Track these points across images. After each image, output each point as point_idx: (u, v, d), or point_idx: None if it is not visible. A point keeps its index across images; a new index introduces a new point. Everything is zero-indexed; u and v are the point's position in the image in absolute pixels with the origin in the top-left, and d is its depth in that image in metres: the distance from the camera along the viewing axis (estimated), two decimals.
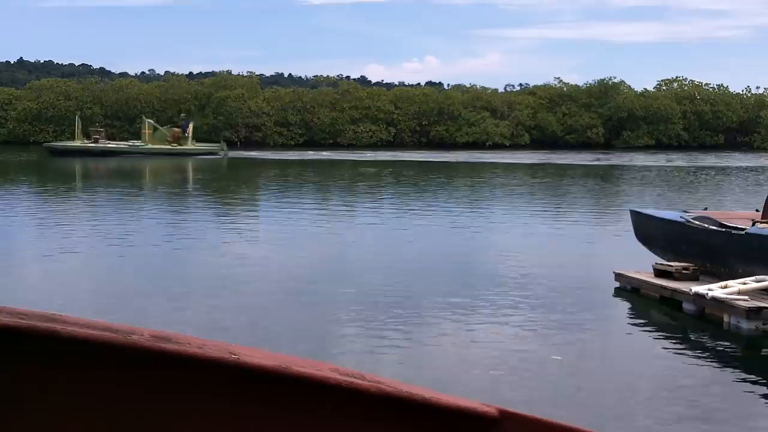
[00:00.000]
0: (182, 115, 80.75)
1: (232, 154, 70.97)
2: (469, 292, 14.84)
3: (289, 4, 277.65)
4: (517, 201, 34.35)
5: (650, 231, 17.31)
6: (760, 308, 12.54)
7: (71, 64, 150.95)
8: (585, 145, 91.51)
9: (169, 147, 69.61)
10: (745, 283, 13.38)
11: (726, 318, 12.92)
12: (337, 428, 1.44)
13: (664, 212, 18.72)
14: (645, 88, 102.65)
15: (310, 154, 73.16)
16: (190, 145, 71.14)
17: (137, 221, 25.81)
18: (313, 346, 11.31)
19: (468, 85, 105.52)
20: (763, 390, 10.28)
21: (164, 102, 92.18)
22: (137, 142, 72.20)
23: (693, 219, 16.33)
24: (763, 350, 12.02)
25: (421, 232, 23.50)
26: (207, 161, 62.99)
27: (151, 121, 74.64)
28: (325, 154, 73.67)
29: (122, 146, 70.87)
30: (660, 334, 13.02)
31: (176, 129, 72.83)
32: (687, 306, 13.84)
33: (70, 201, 32.87)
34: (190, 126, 73.33)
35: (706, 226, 15.77)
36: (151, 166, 57.24)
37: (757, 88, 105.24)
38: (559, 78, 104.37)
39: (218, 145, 73.51)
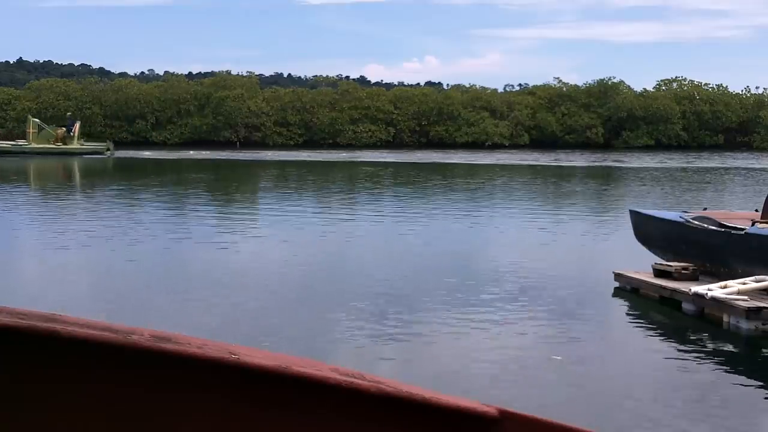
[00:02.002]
0: (68, 114, 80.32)
1: (134, 154, 70.99)
2: (468, 291, 14.84)
3: (289, 4, 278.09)
4: (517, 201, 34.36)
5: (650, 231, 17.31)
6: (760, 308, 12.54)
7: (71, 64, 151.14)
8: (584, 145, 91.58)
9: (53, 146, 69.47)
10: (744, 283, 13.38)
11: (725, 318, 12.93)
12: (337, 428, 1.44)
13: (663, 212, 18.72)
14: (644, 88, 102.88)
15: (205, 154, 73.26)
16: (76, 145, 70.98)
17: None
18: (313, 346, 11.31)
19: (467, 85, 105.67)
20: (763, 390, 10.28)
21: (164, 102, 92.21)
22: (21, 142, 71.91)
23: (692, 219, 16.33)
24: (763, 350, 12.02)
25: (420, 232, 23.50)
26: (92, 161, 62.80)
27: (37, 120, 74.40)
28: (223, 154, 73.18)
29: (5, 145, 70.45)
30: (659, 334, 13.02)
31: (61, 128, 72.70)
32: (686, 306, 13.84)
33: None
34: (76, 125, 73.18)
35: (706, 226, 15.77)
36: (34, 166, 56.78)
37: (757, 88, 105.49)
38: (558, 78, 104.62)
39: (104, 144, 73.45)
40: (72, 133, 71.91)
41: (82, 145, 71.97)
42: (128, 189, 38.51)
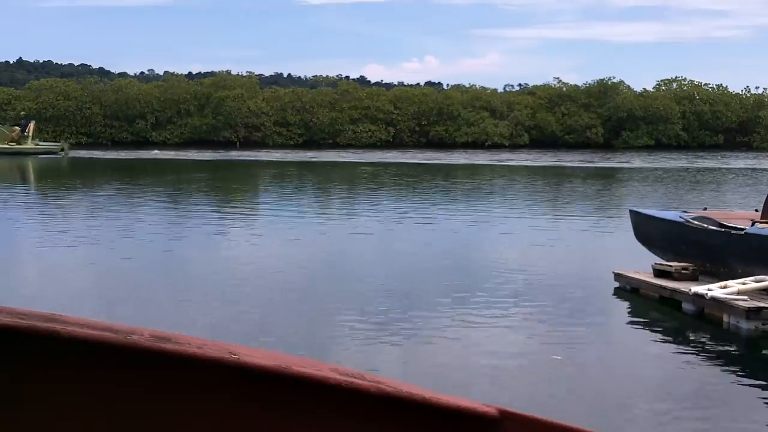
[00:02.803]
0: (22, 113, 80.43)
1: (88, 154, 70.93)
2: (468, 291, 14.84)
3: (289, 4, 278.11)
4: (517, 201, 34.36)
5: (650, 231, 17.31)
6: (760, 308, 12.55)
7: (71, 64, 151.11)
8: (584, 145, 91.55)
9: (7, 146, 69.59)
10: (744, 283, 13.38)
11: (725, 318, 12.93)
12: (337, 428, 1.44)
13: (663, 212, 18.72)
14: (644, 88, 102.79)
15: (155, 153, 73.08)
16: (30, 144, 71.14)
17: None
18: (313, 345, 11.31)
19: (467, 85, 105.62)
20: (763, 390, 10.28)
21: (163, 102, 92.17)
22: None
23: (692, 219, 16.33)
24: (763, 350, 12.02)
25: (420, 232, 23.49)
26: (47, 161, 62.74)
27: None
28: (156, 153, 72.89)
29: None
30: (659, 334, 13.02)
31: (16, 128, 72.84)
32: (686, 306, 13.84)
33: None
34: (31, 125, 73.34)
35: (706, 226, 15.77)
36: None
37: (757, 88, 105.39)
38: (558, 78, 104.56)
39: (58, 144, 73.62)
40: (26, 133, 72.19)
41: (37, 144, 72.15)
42: (84, 189, 38.53)
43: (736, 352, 11.98)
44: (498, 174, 51.77)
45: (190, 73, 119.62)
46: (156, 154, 72.99)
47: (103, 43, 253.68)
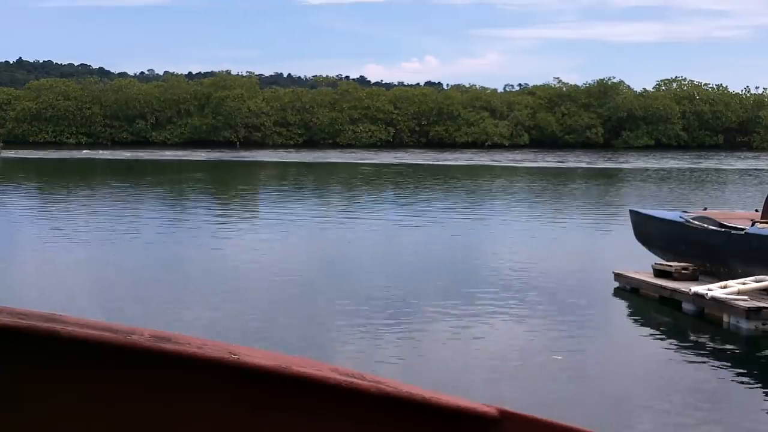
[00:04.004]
0: None
1: (25, 154, 70.83)
2: (469, 292, 14.83)
3: (288, 4, 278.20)
4: (516, 201, 34.36)
5: (650, 231, 17.30)
6: (760, 308, 12.54)
7: (70, 64, 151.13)
8: (584, 145, 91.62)
9: None
10: (744, 283, 13.38)
11: (726, 318, 12.92)
12: (337, 428, 1.44)
13: (663, 212, 18.72)
14: (644, 88, 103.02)
15: (85, 153, 73.12)
16: None
17: None
18: (313, 345, 11.31)
19: (467, 85, 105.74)
20: (763, 390, 10.29)
21: (163, 102, 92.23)
22: None
23: (692, 219, 16.33)
24: (763, 350, 12.01)
25: (419, 233, 23.49)
26: None
27: None
28: (107, 153, 72.63)
29: None
30: (659, 334, 13.02)
31: None
32: (686, 306, 13.83)
33: None
34: None
35: (706, 226, 15.77)
36: None
37: (757, 88, 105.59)
38: (558, 78, 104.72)
39: None
40: None
41: None
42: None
43: (736, 352, 11.98)
44: (498, 174, 51.78)
45: (190, 73, 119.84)
46: (103, 153, 72.86)
47: (103, 43, 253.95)
